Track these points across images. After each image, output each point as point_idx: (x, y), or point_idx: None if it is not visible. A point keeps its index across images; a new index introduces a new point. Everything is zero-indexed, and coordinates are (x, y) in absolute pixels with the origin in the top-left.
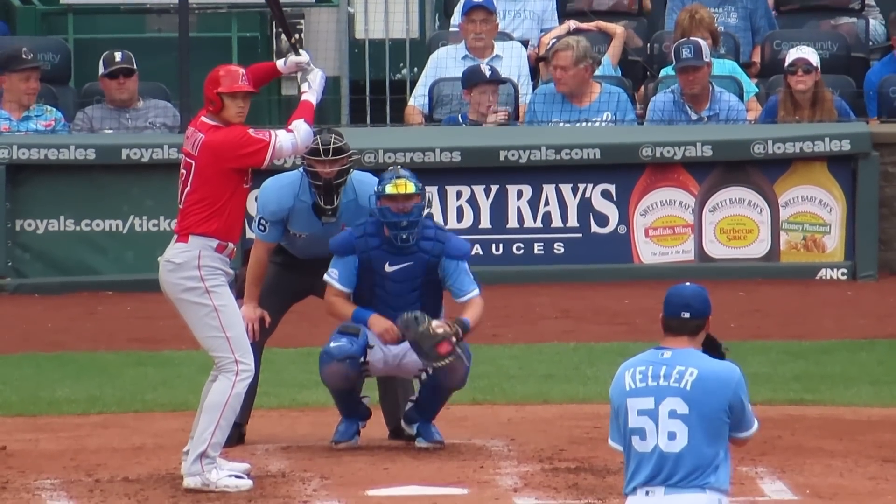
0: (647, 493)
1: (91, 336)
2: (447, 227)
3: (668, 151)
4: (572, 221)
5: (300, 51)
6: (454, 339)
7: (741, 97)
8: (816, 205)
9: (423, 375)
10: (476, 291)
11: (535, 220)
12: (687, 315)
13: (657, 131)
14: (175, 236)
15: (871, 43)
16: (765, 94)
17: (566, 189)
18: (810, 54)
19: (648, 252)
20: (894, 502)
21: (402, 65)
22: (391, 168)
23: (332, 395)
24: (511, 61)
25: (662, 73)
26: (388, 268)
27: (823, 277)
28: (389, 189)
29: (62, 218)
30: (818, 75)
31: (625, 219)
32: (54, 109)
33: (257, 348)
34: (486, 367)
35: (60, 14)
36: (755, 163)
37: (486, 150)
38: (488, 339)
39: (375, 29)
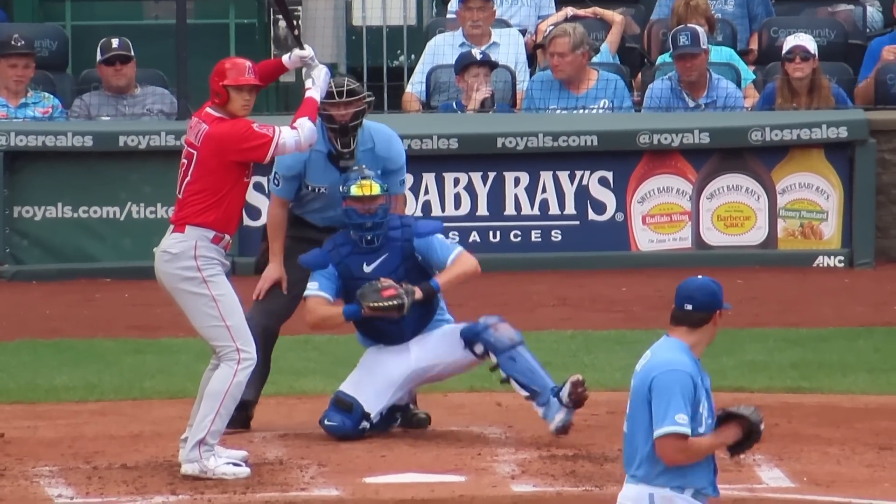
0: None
1: (89, 323)
2: (445, 214)
3: (666, 138)
4: (570, 209)
5: (304, 45)
6: (402, 291)
7: (738, 84)
8: (814, 192)
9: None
10: (456, 251)
11: (532, 207)
12: (689, 307)
13: (654, 118)
14: (171, 226)
15: (868, 30)
16: (762, 81)
17: (563, 176)
18: (807, 41)
19: (646, 239)
20: (891, 489)
21: (399, 52)
22: (355, 168)
23: None
24: (508, 48)
25: (659, 60)
26: (366, 268)
27: (820, 265)
28: (355, 191)
29: (60, 205)
30: (815, 62)
31: (622, 206)
32: (52, 96)
33: (272, 330)
34: None
35: (58, 1)
36: (752, 150)
37: (484, 137)
38: None
39: (373, 16)
